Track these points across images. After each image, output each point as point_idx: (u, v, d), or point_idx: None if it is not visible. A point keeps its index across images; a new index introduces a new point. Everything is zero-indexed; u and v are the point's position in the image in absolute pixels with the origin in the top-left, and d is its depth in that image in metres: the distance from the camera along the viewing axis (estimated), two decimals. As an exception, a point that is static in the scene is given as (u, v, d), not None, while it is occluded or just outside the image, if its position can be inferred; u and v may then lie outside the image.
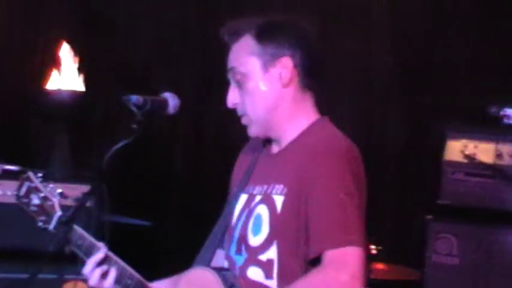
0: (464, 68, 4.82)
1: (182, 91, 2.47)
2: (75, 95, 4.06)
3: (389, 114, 4.99)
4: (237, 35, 2.37)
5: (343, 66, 4.83)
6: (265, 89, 2.33)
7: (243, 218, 2.37)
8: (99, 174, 2.31)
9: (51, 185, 2.49)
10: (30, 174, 2.50)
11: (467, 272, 4.02)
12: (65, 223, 2.36)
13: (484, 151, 4.05)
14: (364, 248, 2.19)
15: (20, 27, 4.73)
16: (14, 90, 4.50)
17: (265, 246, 2.28)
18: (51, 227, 2.44)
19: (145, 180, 4.82)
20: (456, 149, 4.10)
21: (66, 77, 4.08)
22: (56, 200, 2.45)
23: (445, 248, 4.06)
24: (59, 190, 2.49)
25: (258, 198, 2.34)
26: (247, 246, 2.32)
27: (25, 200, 2.48)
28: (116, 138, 2.27)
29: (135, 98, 2.29)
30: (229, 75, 2.37)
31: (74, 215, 2.36)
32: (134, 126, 2.27)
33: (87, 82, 4.15)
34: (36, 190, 2.47)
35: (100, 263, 2.37)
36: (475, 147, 4.08)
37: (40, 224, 2.45)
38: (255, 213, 2.32)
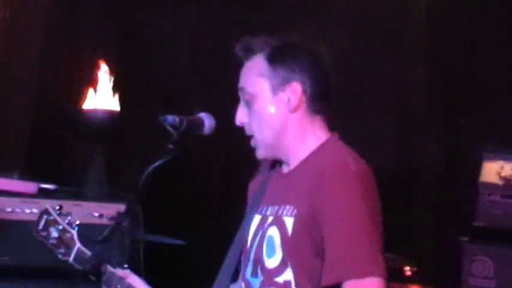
0: (501, 87, 4.78)
1: (216, 111, 2.47)
2: (111, 114, 4.08)
3: (426, 134, 4.96)
4: (250, 52, 2.36)
5: (379, 85, 4.81)
6: (272, 112, 2.31)
7: (257, 239, 2.35)
8: (135, 194, 2.32)
9: (69, 217, 2.52)
10: (49, 207, 2.53)
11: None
12: (101, 242, 2.37)
13: (521, 173, 4.03)
14: (385, 275, 2.14)
15: (57, 46, 4.78)
16: (51, 109, 4.55)
17: (280, 268, 2.26)
18: (71, 259, 2.46)
19: (180, 199, 4.83)
20: (492, 171, 4.07)
21: (101, 96, 4.12)
22: (74, 232, 2.49)
23: (482, 270, 4.01)
24: (77, 222, 2.52)
25: (270, 219, 2.33)
26: (263, 269, 2.31)
27: (44, 234, 2.51)
28: (150, 158, 2.28)
29: (172, 118, 2.30)
30: (240, 94, 2.37)
31: (110, 234, 2.37)
32: (170, 146, 2.28)
33: (122, 102, 4.18)
34: (55, 223, 2.51)
35: None
36: (512, 169, 4.05)
37: (59, 256, 2.48)
38: (267, 235, 2.31)
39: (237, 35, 2.33)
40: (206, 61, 5.12)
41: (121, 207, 3.38)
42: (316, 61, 2.33)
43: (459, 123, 4.79)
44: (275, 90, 2.31)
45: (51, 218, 2.51)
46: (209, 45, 5.10)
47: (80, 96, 4.16)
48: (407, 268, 4.23)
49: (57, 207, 2.54)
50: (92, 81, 4.15)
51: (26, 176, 3.63)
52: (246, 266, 2.38)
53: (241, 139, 2.30)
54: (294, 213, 2.25)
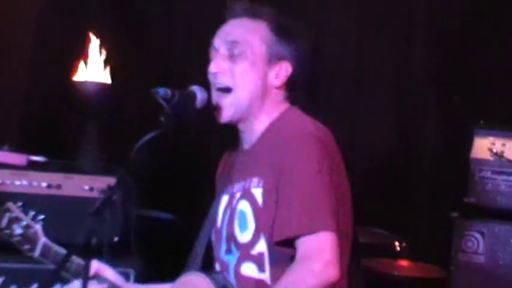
0: (496, 67, 4.78)
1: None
2: (101, 86, 4.06)
3: (424, 115, 4.97)
4: (252, 15, 2.39)
5: (380, 68, 4.82)
6: (259, 78, 2.34)
7: (227, 217, 2.38)
8: (126, 167, 2.31)
9: (32, 212, 2.52)
10: (10, 204, 2.53)
11: (492, 271, 3.99)
12: (92, 215, 2.36)
13: (512, 149, 4.02)
14: (337, 231, 2.17)
15: (50, 18, 4.74)
16: (43, 82, 4.53)
17: (254, 240, 2.28)
18: (36, 254, 2.47)
19: (173, 173, 4.82)
20: (483, 147, 4.07)
21: (92, 69, 4.09)
22: (38, 227, 2.49)
23: (471, 246, 4.03)
24: (41, 216, 2.52)
25: (238, 195, 2.35)
26: (237, 244, 2.33)
27: (7, 231, 2.52)
28: (143, 131, 2.27)
29: (163, 91, 2.30)
30: (223, 46, 2.36)
31: (100, 207, 2.36)
32: (162, 119, 2.28)
33: (115, 75, 4.16)
34: (18, 220, 2.51)
35: None
36: (503, 145, 4.04)
37: (26, 253, 2.50)
38: (238, 210, 2.33)
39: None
40: (202, 34, 5.07)
41: (112, 180, 3.36)
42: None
43: (456, 103, 4.79)
44: (270, 61, 2.35)
45: (14, 215, 2.51)
46: (205, 19, 5.06)
47: (71, 69, 4.14)
48: (397, 244, 4.25)
49: (20, 204, 2.53)
50: (83, 54, 4.12)
51: (16, 148, 3.61)
52: (220, 246, 2.40)
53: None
54: (261, 184, 2.27)
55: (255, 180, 2.30)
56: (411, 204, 4.73)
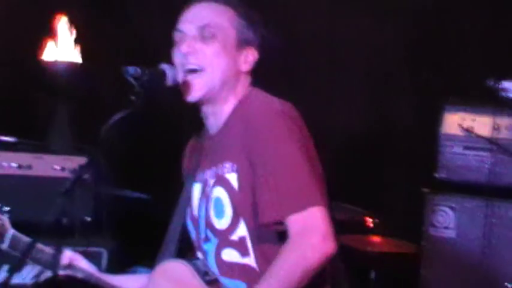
0: (466, 45, 4.81)
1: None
2: (71, 66, 4.03)
3: (396, 91, 4.99)
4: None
5: (352, 45, 4.83)
6: (231, 61, 2.35)
7: (203, 206, 2.36)
8: (97, 147, 2.30)
9: None
10: None
11: (463, 245, 4.03)
12: (63, 195, 2.35)
13: (482, 124, 4.05)
14: (326, 205, 2.17)
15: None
16: (12, 62, 4.48)
17: (233, 225, 2.27)
18: (5, 246, 2.46)
19: (146, 153, 4.81)
20: (453, 123, 4.10)
21: (62, 49, 4.06)
22: (5, 219, 2.48)
23: (442, 221, 4.07)
24: (7, 208, 2.51)
25: (211, 182, 2.34)
26: (215, 231, 2.32)
27: None
28: (115, 110, 2.26)
29: (133, 69, 2.28)
30: (193, 28, 2.36)
31: (70, 187, 2.34)
32: (132, 97, 2.26)
33: (86, 54, 4.13)
34: None
35: None
36: (473, 120, 4.07)
37: None
38: (213, 197, 2.32)
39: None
40: (175, 12, 5.04)
41: (84, 160, 3.35)
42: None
43: (426, 79, 4.81)
44: (239, 44, 2.36)
45: None
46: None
47: (41, 48, 4.10)
48: (369, 220, 4.28)
49: None
50: (53, 33, 4.09)
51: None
52: (199, 235, 2.39)
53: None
54: (234, 168, 2.27)
55: (227, 165, 2.29)
56: (383, 180, 4.76)
